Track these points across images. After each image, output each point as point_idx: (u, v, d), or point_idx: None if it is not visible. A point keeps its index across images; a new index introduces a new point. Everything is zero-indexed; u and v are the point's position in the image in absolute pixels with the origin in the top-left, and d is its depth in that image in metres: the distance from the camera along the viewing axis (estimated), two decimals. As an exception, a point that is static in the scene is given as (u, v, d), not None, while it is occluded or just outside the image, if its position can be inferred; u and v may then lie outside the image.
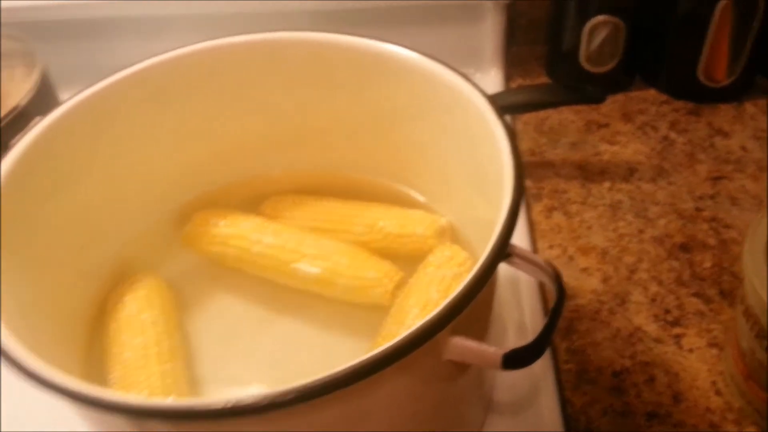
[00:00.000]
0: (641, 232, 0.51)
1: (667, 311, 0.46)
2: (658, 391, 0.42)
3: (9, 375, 0.41)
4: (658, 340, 0.44)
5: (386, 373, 0.25)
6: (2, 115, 0.52)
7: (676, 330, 0.45)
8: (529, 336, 0.45)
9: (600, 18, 0.59)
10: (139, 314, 0.40)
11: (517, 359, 0.28)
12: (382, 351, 0.25)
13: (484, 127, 0.35)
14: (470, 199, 0.41)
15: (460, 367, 0.32)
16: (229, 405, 0.23)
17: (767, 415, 0.38)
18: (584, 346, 0.44)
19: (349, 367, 0.24)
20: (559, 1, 0.62)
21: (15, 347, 0.27)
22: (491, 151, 0.34)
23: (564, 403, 0.42)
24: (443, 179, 0.44)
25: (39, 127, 0.39)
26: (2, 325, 0.28)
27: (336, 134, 0.46)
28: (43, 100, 0.56)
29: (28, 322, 0.33)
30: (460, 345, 0.28)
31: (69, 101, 0.39)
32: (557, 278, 0.30)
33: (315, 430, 0.28)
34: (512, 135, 0.34)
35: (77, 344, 0.40)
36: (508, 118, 0.59)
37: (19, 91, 0.56)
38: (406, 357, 0.25)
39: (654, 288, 0.47)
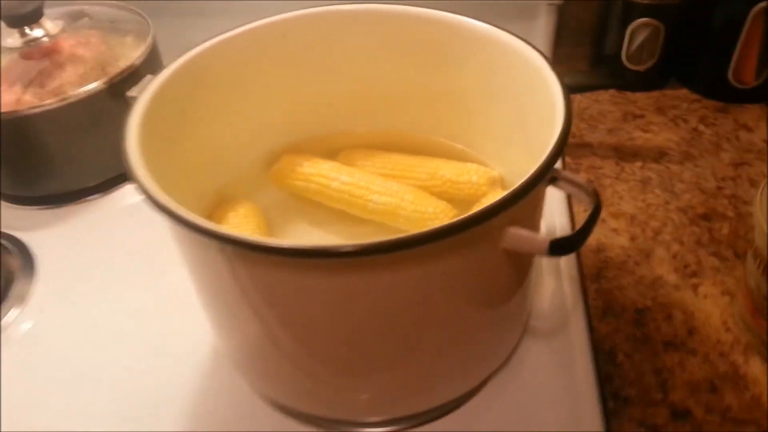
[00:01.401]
0: (667, 203, 0.58)
1: (687, 266, 0.52)
2: (675, 326, 0.48)
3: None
4: (677, 287, 0.51)
5: (449, 244, 0.32)
6: (119, 71, 0.62)
7: (694, 280, 0.51)
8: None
9: (642, 20, 0.66)
10: (239, 228, 0.48)
11: (560, 246, 0.34)
12: (447, 224, 0.32)
13: (543, 85, 0.41)
14: (523, 159, 0.47)
15: (513, 267, 0.38)
16: (292, 246, 0.31)
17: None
18: (611, 289, 0.51)
19: (420, 233, 0.31)
20: (607, 4, 0.69)
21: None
22: (546, 106, 0.40)
23: (591, 330, 0.48)
24: (500, 140, 0.51)
25: (168, 70, 0.46)
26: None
27: (409, 99, 0.53)
28: (152, 61, 0.65)
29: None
30: (515, 233, 0.35)
31: (195, 50, 0.48)
32: (595, 193, 0.37)
33: (389, 287, 0.35)
34: (566, 87, 0.40)
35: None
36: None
37: (128, 55, 0.65)
38: (466, 231, 0.32)
39: (676, 247, 0.54)
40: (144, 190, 0.35)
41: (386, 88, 0.54)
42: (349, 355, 0.40)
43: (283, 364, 0.42)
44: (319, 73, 0.53)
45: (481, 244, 0.35)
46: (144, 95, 0.43)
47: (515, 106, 0.47)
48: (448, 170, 0.51)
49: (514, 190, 0.33)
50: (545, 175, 0.34)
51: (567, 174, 0.38)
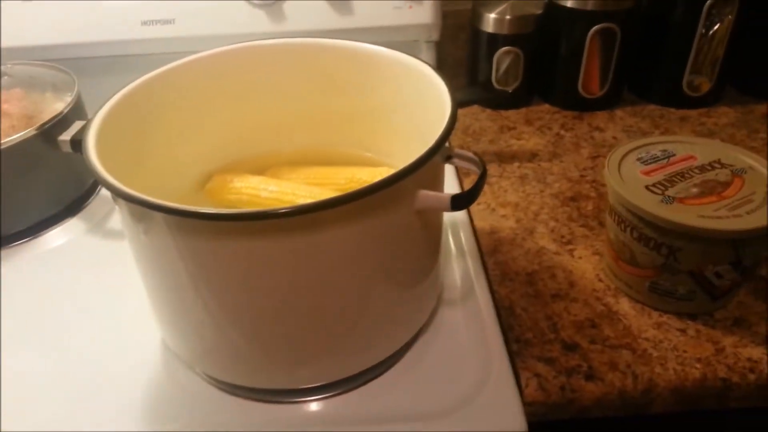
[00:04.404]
0: (542, 191, 0.70)
1: (563, 236, 0.64)
2: (559, 282, 0.58)
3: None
4: (557, 253, 0.62)
5: (368, 204, 0.39)
6: (49, 118, 0.67)
7: (569, 247, 0.62)
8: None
9: (504, 49, 0.80)
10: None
11: (460, 200, 0.43)
12: (364, 187, 0.39)
13: (436, 93, 0.50)
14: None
15: (427, 230, 0.47)
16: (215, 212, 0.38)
17: (630, 284, 0.55)
18: (506, 260, 0.61)
19: (340, 195, 0.39)
20: (475, 38, 0.82)
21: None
22: (439, 109, 0.49)
23: (493, 293, 0.58)
24: (403, 144, 0.59)
25: (115, 98, 0.52)
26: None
27: (325, 119, 0.62)
28: (78, 110, 0.70)
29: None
30: (424, 194, 0.43)
31: (132, 84, 0.54)
32: (481, 160, 0.46)
33: (316, 248, 0.41)
34: (452, 90, 0.50)
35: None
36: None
37: (50, 108, 0.70)
38: (381, 192, 0.39)
39: (552, 224, 0.65)
40: (97, 175, 0.41)
41: (304, 111, 0.62)
42: (278, 319, 0.45)
43: (215, 335, 0.47)
44: (243, 102, 0.61)
45: (396, 205, 0.43)
46: (96, 119, 0.49)
47: (415, 115, 0.56)
48: (363, 174, 0.60)
49: (418, 159, 0.42)
50: (441, 145, 0.43)
51: (459, 150, 0.48)
